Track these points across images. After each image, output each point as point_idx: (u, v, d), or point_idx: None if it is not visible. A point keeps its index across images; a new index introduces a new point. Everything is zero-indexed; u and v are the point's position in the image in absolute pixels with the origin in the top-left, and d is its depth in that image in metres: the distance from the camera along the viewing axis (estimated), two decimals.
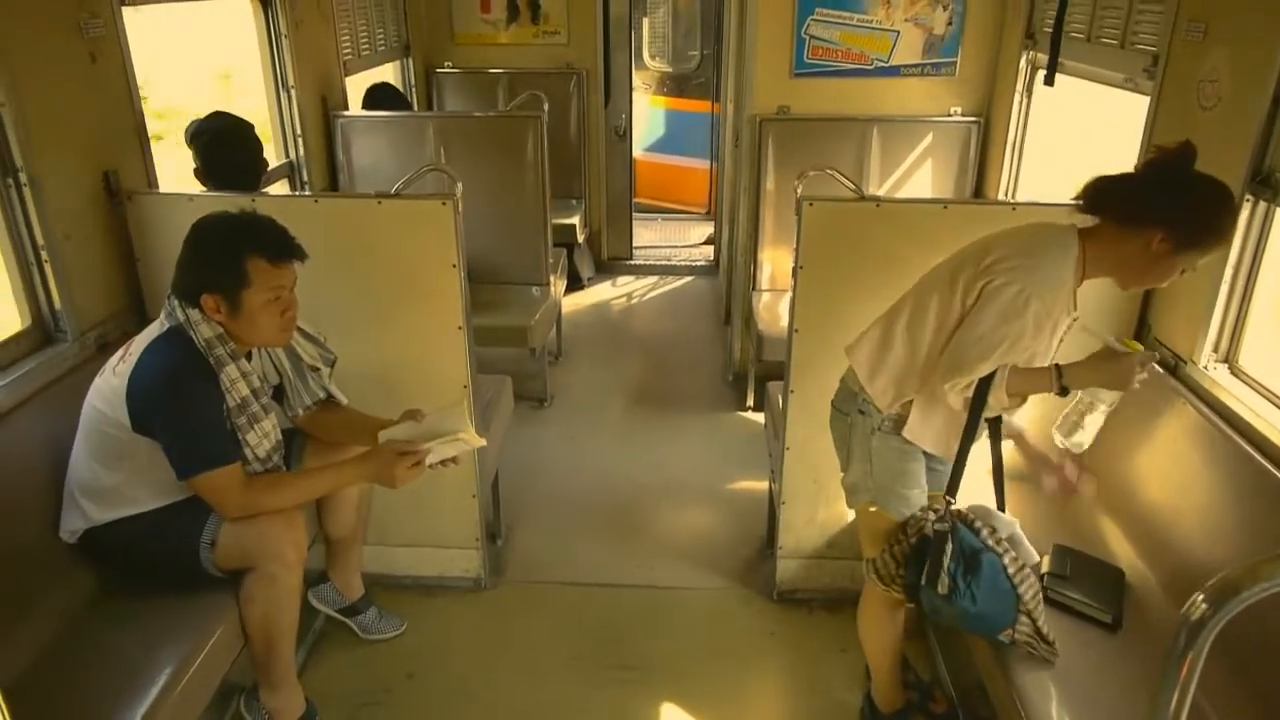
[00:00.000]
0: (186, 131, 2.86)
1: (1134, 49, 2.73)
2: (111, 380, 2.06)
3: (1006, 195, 3.79)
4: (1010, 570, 1.97)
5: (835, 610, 2.93)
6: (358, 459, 2.23)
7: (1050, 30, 3.27)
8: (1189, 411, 2.28)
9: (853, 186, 2.73)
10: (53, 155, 2.33)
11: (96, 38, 2.49)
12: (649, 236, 6.60)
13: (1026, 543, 2.06)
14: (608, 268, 6.10)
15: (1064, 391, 1.91)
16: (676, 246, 6.57)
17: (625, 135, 5.90)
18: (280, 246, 2.05)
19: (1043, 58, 3.49)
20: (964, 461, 2.03)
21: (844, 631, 2.85)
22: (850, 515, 2.84)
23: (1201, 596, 1.15)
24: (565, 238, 5.12)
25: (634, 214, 6.20)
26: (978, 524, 2.02)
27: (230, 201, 2.23)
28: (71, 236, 2.41)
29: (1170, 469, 2.33)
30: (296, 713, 2.34)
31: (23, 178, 2.25)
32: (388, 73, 4.88)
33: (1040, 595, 2.01)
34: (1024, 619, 1.97)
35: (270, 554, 2.08)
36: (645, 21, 6.96)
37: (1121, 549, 2.34)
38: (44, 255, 2.34)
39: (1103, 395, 1.97)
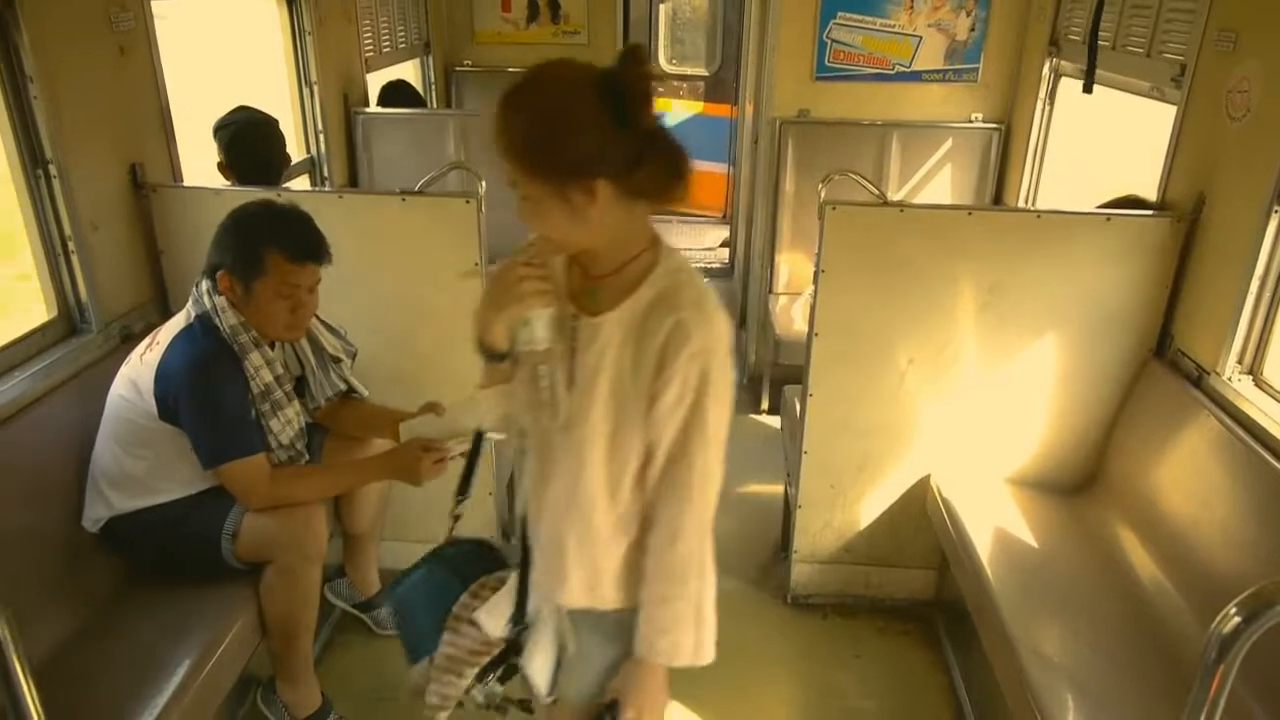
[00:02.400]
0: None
1: (1161, 58, 2.72)
2: (139, 368, 2.08)
3: (1026, 202, 3.78)
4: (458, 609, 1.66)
5: (849, 616, 2.93)
6: (384, 456, 2.25)
7: (1075, 38, 3.27)
8: (1211, 423, 2.27)
9: (876, 191, 2.73)
10: (81, 147, 2.35)
11: (125, 31, 2.51)
12: (665, 238, 6.59)
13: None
14: None
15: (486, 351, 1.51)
16: (692, 249, 6.57)
17: None
18: (303, 246, 2.07)
19: (1066, 64, 3.49)
20: None
21: (858, 637, 2.85)
22: (867, 521, 2.85)
23: (1234, 609, 1.15)
24: None
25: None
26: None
27: (254, 196, 2.24)
28: (99, 227, 2.43)
29: (1192, 481, 2.32)
30: (312, 706, 2.35)
31: (52, 169, 2.27)
32: (407, 70, 4.90)
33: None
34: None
35: (290, 547, 2.10)
36: (662, 24, 6.96)
37: (1141, 560, 2.33)
38: (71, 246, 2.36)
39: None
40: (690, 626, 1.44)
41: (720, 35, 6.96)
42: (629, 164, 1.27)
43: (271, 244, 2.04)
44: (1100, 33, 3.00)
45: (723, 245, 6.51)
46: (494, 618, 1.60)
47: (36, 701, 1.17)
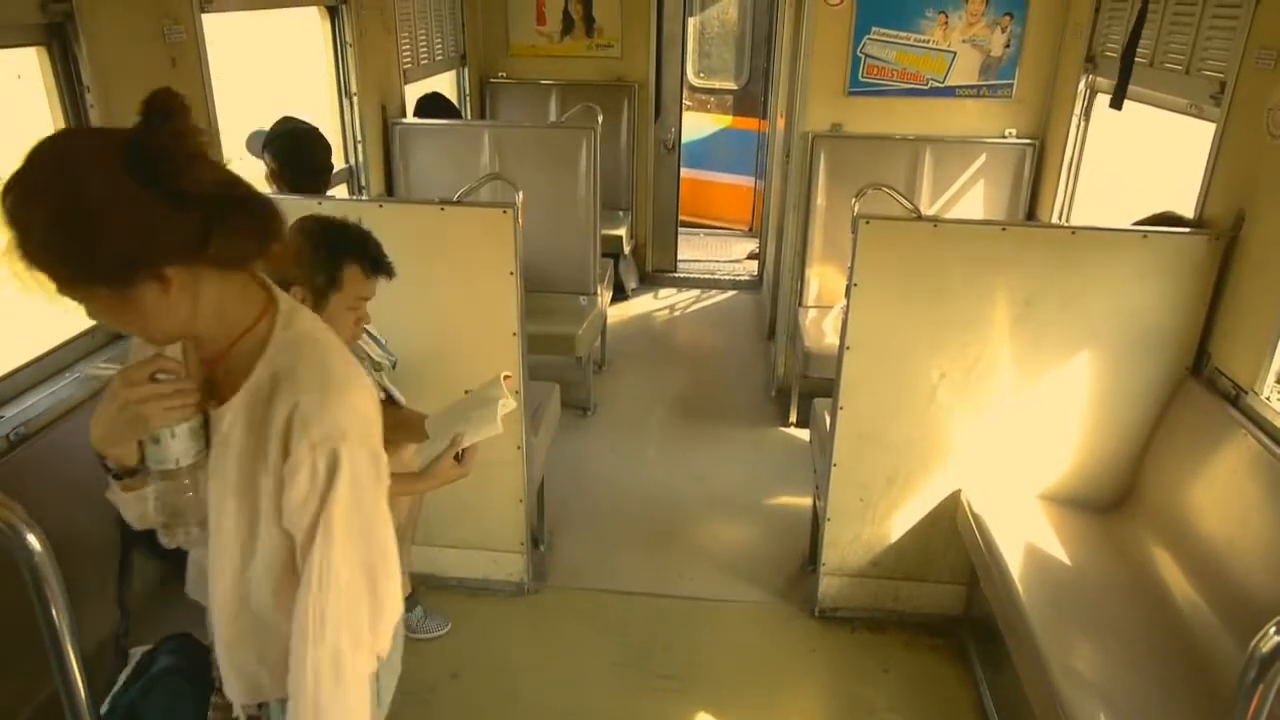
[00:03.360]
0: (252, 139, 2.94)
1: (1200, 75, 2.71)
2: None
3: (1060, 219, 3.77)
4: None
5: (878, 630, 2.92)
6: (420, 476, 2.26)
7: (1112, 54, 3.26)
8: (1249, 442, 2.25)
9: (910, 206, 2.74)
10: None
11: (177, 43, 2.58)
12: (692, 251, 6.63)
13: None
14: (651, 279, 6.13)
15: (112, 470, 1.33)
16: (720, 261, 6.60)
17: (674, 149, 5.95)
18: (378, 261, 2.12)
19: (1103, 81, 3.48)
20: None
21: (887, 651, 2.84)
22: (896, 535, 2.84)
23: (1274, 628, 1.14)
24: (611, 248, 5.17)
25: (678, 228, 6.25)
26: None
27: (299, 205, 2.29)
28: None
29: (1228, 500, 2.30)
30: None
31: None
32: (443, 82, 4.97)
33: None
34: None
35: None
36: (692, 38, 7.01)
37: (1175, 579, 2.31)
38: None
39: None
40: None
41: (749, 49, 7.00)
42: (196, 240, 1.06)
43: (350, 257, 2.07)
44: (1138, 49, 2.99)
45: (750, 257, 6.53)
46: None
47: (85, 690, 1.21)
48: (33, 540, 1.08)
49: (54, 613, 1.10)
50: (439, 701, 2.63)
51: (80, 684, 1.23)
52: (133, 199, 1.02)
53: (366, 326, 2.33)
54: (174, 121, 1.05)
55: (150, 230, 1.03)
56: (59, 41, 2.21)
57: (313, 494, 1.17)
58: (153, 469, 1.21)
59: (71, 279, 1.05)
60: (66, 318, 2.26)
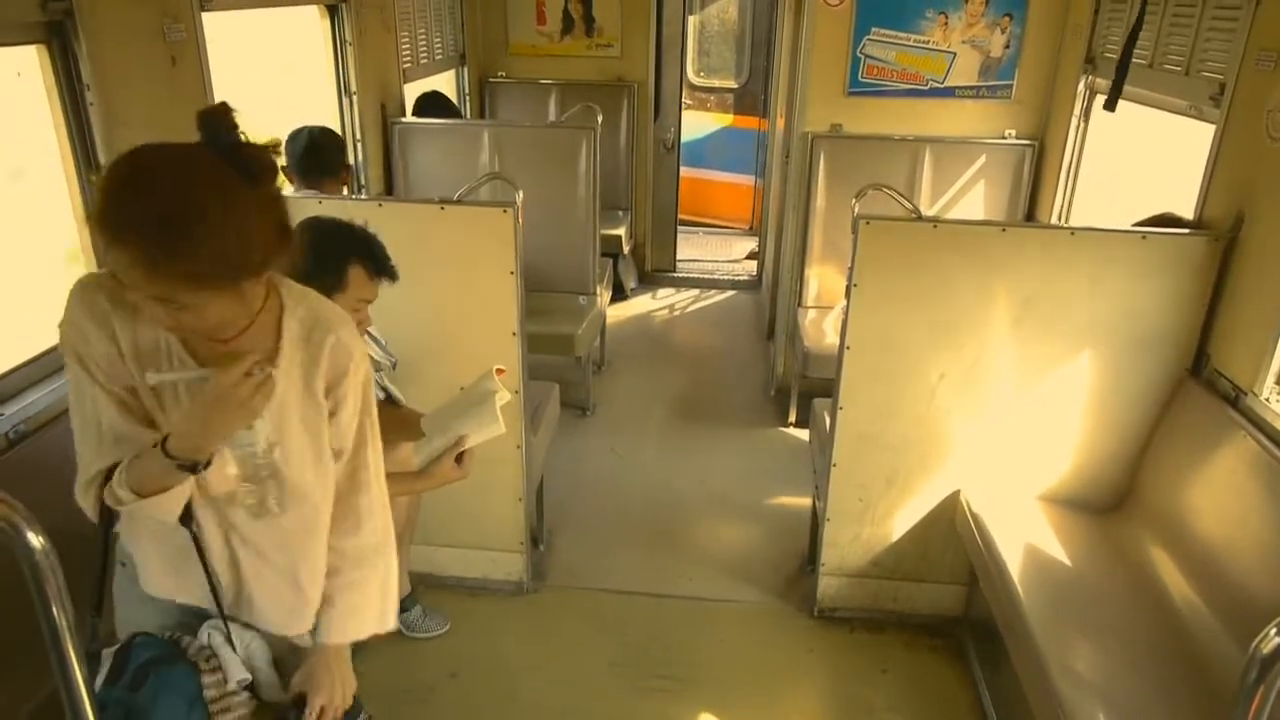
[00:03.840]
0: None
1: (1199, 76, 2.72)
2: None
3: (1059, 219, 3.77)
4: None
5: (877, 630, 2.92)
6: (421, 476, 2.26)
7: (1111, 55, 3.26)
8: (1248, 443, 2.25)
9: (910, 206, 2.74)
10: None
11: (177, 42, 2.57)
12: (691, 250, 6.63)
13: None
14: (650, 279, 6.13)
15: (188, 466, 1.32)
16: (719, 261, 6.60)
17: (673, 148, 5.95)
18: (382, 263, 2.12)
19: (1102, 82, 3.48)
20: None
21: (886, 652, 2.84)
22: (896, 535, 2.85)
23: (1275, 629, 1.14)
24: (611, 248, 5.17)
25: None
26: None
27: (301, 203, 2.29)
28: None
29: (1227, 500, 2.30)
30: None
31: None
32: (443, 81, 4.96)
33: None
34: None
35: None
36: (692, 36, 7.01)
37: (1174, 580, 2.32)
38: None
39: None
40: (377, 601, 1.61)
41: (750, 48, 7.00)
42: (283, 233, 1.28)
43: (355, 258, 2.07)
44: (1137, 51, 3.00)
45: (749, 257, 6.53)
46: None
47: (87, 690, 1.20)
48: (33, 538, 1.08)
49: (55, 611, 1.10)
50: (438, 701, 2.63)
51: (81, 683, 1.22)
52: (258, 202, 1.21)
53: (368, 329, 2.33)
54: (256, 144, 1.23)
55: (273, 228, 1.24)
56: (59, 39, 2.20)
57: (358, 408, 1.46)
58: (241, 450, 1.39)
59: (217, 283, 1.21)
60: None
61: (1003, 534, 2.53)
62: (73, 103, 2.26)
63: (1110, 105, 3.01)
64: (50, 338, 2.31)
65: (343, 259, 2.07)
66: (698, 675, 2.75)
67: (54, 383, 2.23)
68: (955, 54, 3.92)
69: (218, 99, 2.75)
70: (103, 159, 2.31)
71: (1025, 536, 2.55)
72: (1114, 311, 2.55)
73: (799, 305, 4.25)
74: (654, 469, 3.92)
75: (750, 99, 7.11)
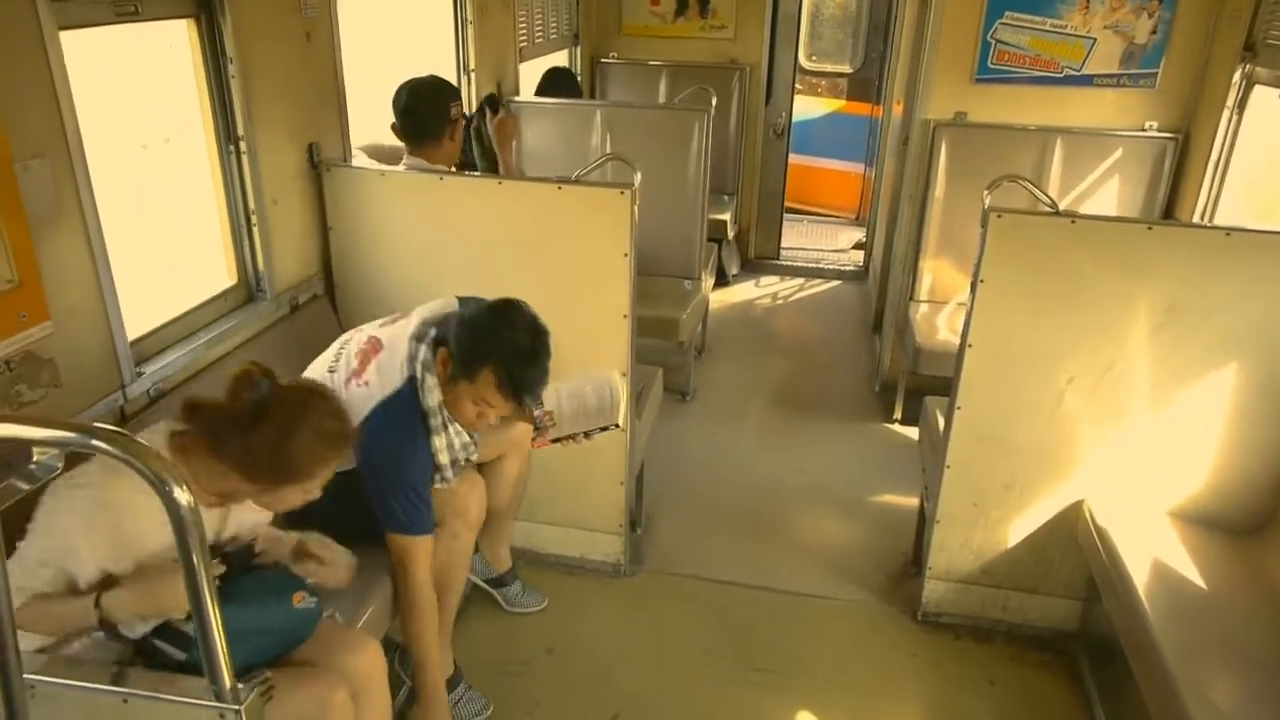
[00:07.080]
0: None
1: None
2: (341, 393, 2.10)
3: (1203, 219, 3.53)
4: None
5: (984, 640, 2.81)
6: None
7: (1275, 42, 3.03)
8: None
9: (1047, 200, 2.59)
10: (268, 125, 2.49)
11: (312, 18, 2.64)
12: (796, 238, 6.51)
13: None
14: (753, 266, 6.05)
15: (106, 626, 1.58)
16: (824, 250, 6.46)
17: (784, 134, 5.83)
18: (518, 385, 2.05)
19: (1263, 72, 3.23)
20: None
21: (992, 663, 2.74)
22: (1010, 542, 2.73)
23: None
24: (715, 233, 5.10)
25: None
26: None
27: (419, 178, 2.29)
28: (278, 202, 2.58)
29: None
30: (447, 673, 2.43)
31: (243, 145, 2.41)
32: (556, 61, 4.99)
33: None
34: None
35: (456, 511, 2.23)
36: (803, 19, 6.83)
37: None
38: (253, 219, 2.51)
39: None
40: None
41: (865, 32, 6.79)
42: None
43: (493, 364, 2.04)
44: None
45: (856, 247, 6.36)
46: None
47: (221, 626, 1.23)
48: (180, 494, 1.12)
49: (195, 558, 1.14)
50: (534, 675, 2.66)
51: (214, 617, 1.24)
52: None
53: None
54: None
55: None
56: (206, 14, 2.29)
57: None
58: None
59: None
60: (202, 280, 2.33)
61: (1130, 549, 2.39)
62: (216, 76, 2.34)
63: None
64: (186, 300, 2.43)
65: (483, 356, 2.03)
66: (795, 670, 2.70)
67: (190, 344, 2.33)
68: (1095, 39, 3.70)
69: (345, 75, 2.83)
70: (240, 130, 2.39)
71: (1154, 553, 2.40)
72: (1268, 320, 2.37)
73: (911, 299, 4.11)
74: (754, 458, 3.87)
75: (863, 84, 6.91)
